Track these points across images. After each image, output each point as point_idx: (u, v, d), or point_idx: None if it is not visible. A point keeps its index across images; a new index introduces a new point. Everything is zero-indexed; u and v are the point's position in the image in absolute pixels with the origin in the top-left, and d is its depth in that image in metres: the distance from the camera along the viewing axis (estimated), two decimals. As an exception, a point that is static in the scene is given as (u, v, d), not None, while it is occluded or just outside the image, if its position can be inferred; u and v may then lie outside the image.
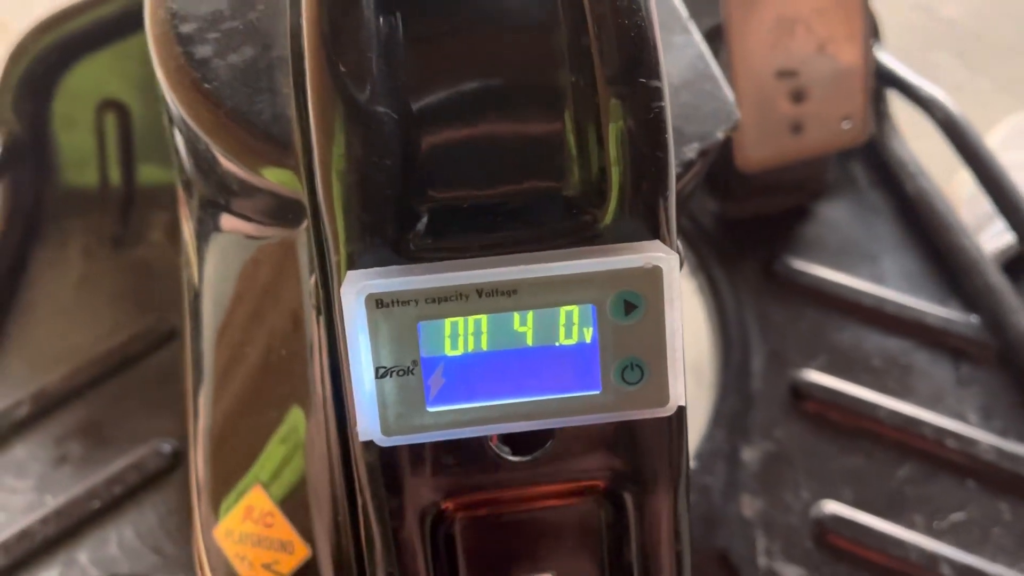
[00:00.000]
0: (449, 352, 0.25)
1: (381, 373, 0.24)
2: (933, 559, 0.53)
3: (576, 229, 0.26)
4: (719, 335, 0.62)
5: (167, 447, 0.56)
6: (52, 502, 0.55)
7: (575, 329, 0.25)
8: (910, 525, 0.55)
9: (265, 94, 0.31)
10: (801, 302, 0.63)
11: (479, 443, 0.28)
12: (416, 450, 0.27)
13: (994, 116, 0.90)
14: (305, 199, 0.29)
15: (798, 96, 0.60)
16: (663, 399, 0.25)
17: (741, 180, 0.64)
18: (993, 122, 0.89)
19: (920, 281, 0.64)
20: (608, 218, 0.26)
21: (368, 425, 0.25)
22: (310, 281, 0.29)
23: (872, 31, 0.65)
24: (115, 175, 0.65)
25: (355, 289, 0.24)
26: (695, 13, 0.57)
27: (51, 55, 0.62)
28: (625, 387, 0.25)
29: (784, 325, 0.62)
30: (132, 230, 0.64)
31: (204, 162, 0.33)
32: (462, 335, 0.25)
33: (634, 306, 0.25)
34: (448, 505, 0.28)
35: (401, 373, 0.24)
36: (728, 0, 0.58)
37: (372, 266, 0.25)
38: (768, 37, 0.59)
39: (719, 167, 0.65)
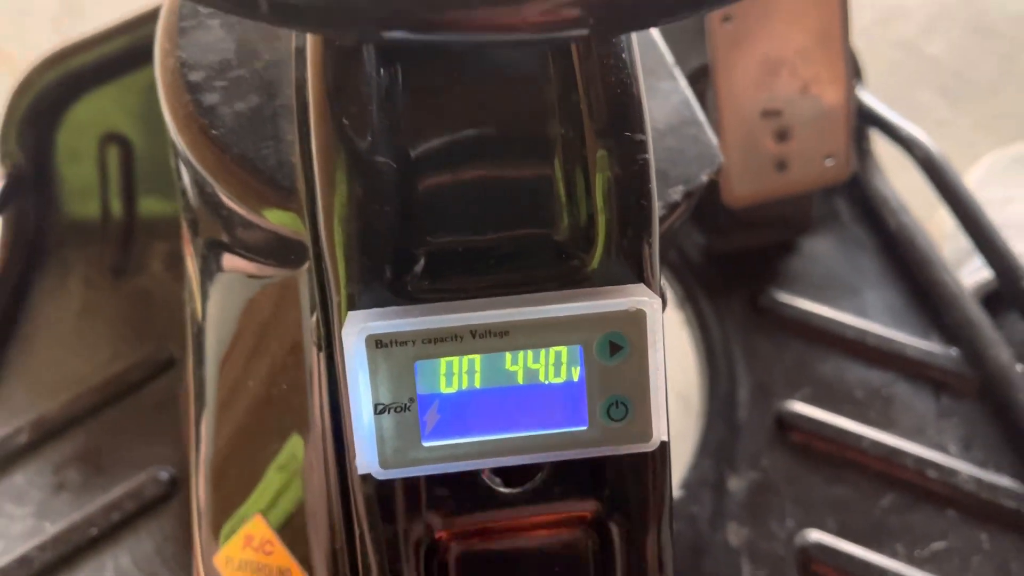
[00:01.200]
0: (444, 390, 0.26)
1: (379, 409, 0.26)
2: (915, 587, 0.54)
3: (565, 273, 0.28)
4: (706, 366, 0.63)
5: (164, 475, 0.57)
6: (51, 529, 0.56)
7: (563, 368, 0.26)
8: (892, 554, 0.56)
9: (270, 141, 0.32)
10: (786, 334, 0.64)
11: (472, 476, 0.29)
12: (411, 483, 0.28)
13: (976, 152, 0.92)
14: (308, 241, 0.30)
15: (782, 135, 0.62)
16: (646, 435, 0.27)
17: (728, 215, 0.66)
18: (975, 158, 0.91)
19: (902, 315, 0.65)
20: (595, 262, 0.28)
21: (366, 459, 0.26)
22: (311, 319, 0.31)
23: (854, 72, 0.67)
24: (116, 207, 0.66)
25: (356, 330, 0.25)
26: (683, 53, 0.58)
27: (56, 89, 0.64)
28: (610, 424, 0.27)
29: (769, 357, 0.63)
30: (132, 260, 0.66)
31: (210, 203, 0.35)
32: (456, 373, 0.26)
33: (619, 347, 0.26)
34: (442, 535, 0.29)
35: (398, 409, 0.26)
36: (715, 41, 0.60)
37: (371, 306, 0.27)
38: (753, 77, 0.61)
39: (706, 202, 0.67)
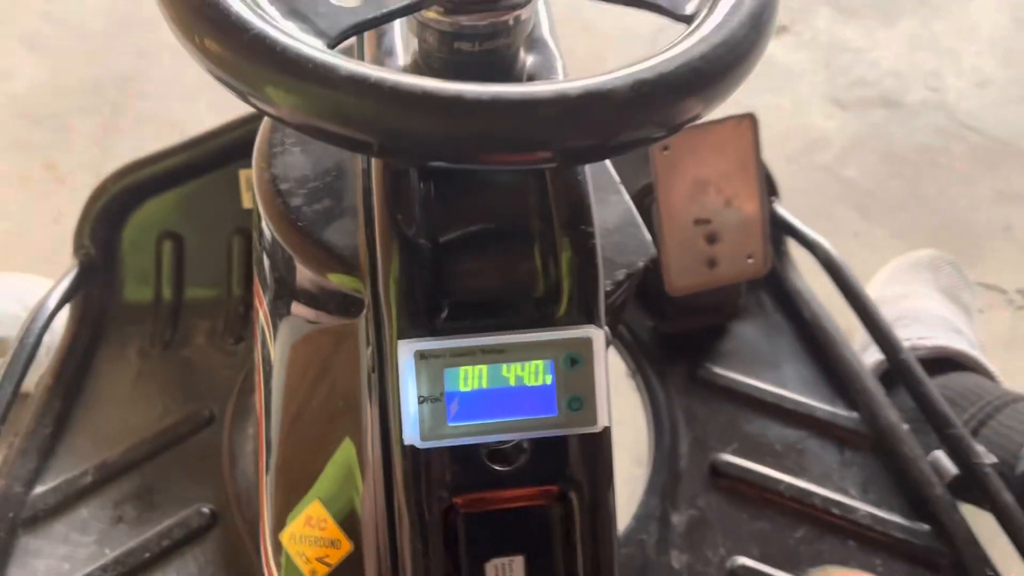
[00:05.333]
0: (463, 388, 0.40)
1: (420, 400, 0.39)
2: (822, 601, 0.67)
3: (542, 317, 0.42)
4: (653, 425, 0.77)
5: (207, 510, 0.69)
6: (110, 554, 0.67)
7: (540, 375, 0.40)
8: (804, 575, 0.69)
9: (337, 229, 0.47)
10: (719, 399, 0.78)
11: (478, 459, 0.42)
12: (437, 462, 0.41)
13: (886, 258, 1.08)
14: (368, 295, 0.44)
15: (712, 238, 0.78)
16: (594, 421, 0.40)
17: (670, 303, 0.81)
18: (885, 262, 1.07)
19: (813, 384, 0.80)
20: (562, 311, 0.42)
21: (411, 434, 0.39)
22: (367, 351, 0.44)
23: (771, 190, 0.83)
24: (168, 292, 0.80)
25: (408, 347, 0.39)
26: (632, 175, 0.75)
27: (125, 195, 0.78)
28: (571, 412, 0.40)
29: (705, 417, 0.77)
30: (180, 335, 0.79)
31: (290, 273, 0.49)
32: (471, 378, 0.40)
33: (576, 361, 0.40)
34: (456, 500, 0.42)
35: (433, 400, 0.39)
36: (656, 166, 0.76)
37: (414, 337, 0.41)
38: (687, 193, 0.77)
39: (654, 294, 0.82)
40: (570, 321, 0.42)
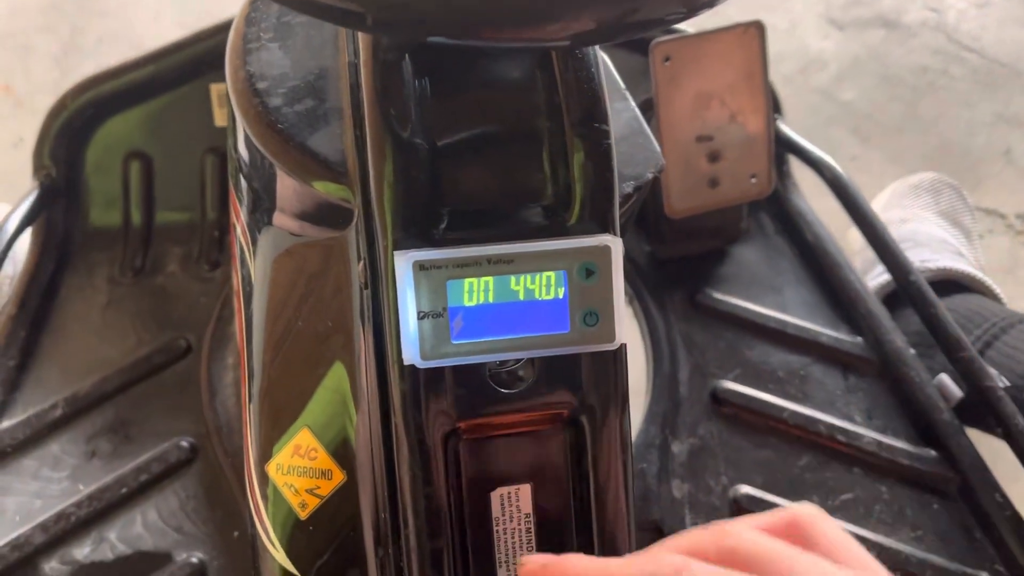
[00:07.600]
0: (467, 303, 0.36)
1: (421, 316, 0.36)
2: (827, 529, 0.65)
3: (552, 227, 0.38)
4: (652, 352, 0.74)
5: (186, 443, 0.65)
6: (84, 490, 0.63)
7: (552, 288, 0.36)
8: (809, 504, 0.67)
9: (322, 132, 0.42)
10: (719, 325, 0.75)
11: (482, 380, 0.38)
12: (439, 384, 0.38)
13: (883, 182, 1.05)
14: (358, 203, 0.40)
15: (714, 157, 0.74)
16: (611, 337, 0.37)
17: (670, 227, 0.77)
18: (882, 187, 1.04)
19: (816, 309, 0.77)
20: (574, 219, 0.38)
21: (411, 353, 0.36)
22: (359, 266, 0.40)
23: (774, 107, 0.79)
24: (137, 215, 0.75)
25: (405, 258, 0.35)
26: (631, 89, 0.70)
27: (87, 111, 0.73)
28: (585, 328, 0.37)
29: (705, 344, 0.74)
30: (151, 262, 0.74)
31: (270, 182, 0.44)
32: (476, 291, 0.36)
33: (592, 272, 0.36)
34: (459, 425, 0.39)
35: (434, 316, 0.36)
36: (657, 78, 0.71)
37: (411, 248, 0.37)
38: (689, 108, 0.73)
39: (652, 217, 0.78)
40: (583, 229, 0.38)
